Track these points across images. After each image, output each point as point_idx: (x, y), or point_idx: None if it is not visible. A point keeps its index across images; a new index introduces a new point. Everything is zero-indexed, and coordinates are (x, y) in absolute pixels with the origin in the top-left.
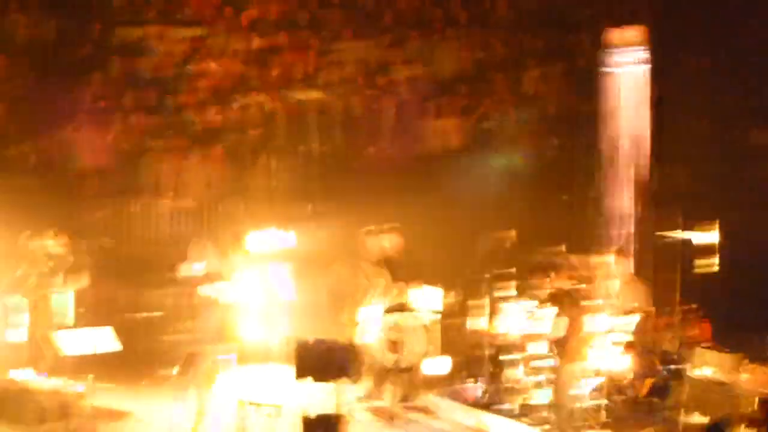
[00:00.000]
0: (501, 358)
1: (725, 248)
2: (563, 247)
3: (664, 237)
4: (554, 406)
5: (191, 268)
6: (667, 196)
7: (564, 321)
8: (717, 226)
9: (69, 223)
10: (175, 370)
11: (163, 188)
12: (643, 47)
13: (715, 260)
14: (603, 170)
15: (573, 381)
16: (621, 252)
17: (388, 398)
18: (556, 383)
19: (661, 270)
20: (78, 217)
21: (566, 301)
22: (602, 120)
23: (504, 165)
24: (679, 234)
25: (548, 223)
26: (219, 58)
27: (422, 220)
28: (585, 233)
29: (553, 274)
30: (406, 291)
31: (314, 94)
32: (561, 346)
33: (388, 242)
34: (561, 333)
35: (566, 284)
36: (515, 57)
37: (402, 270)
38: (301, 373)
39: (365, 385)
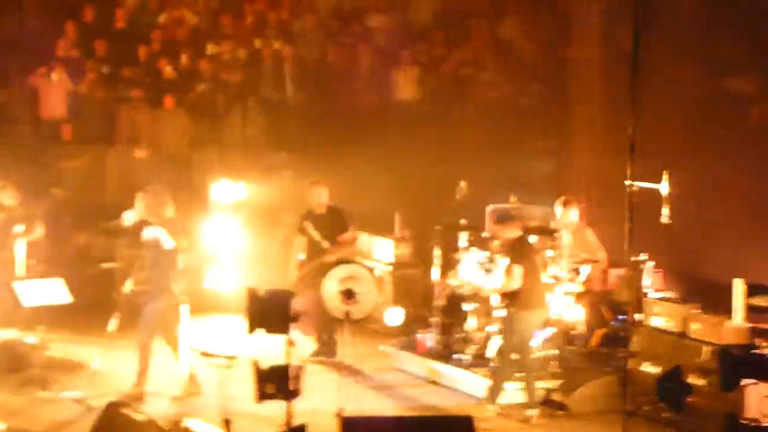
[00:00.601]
0: (454, 308)
1: (683, 198)
2: (515, 198)
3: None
4: (504, 355)
5: (129, 217)
6: (620, 143)
7: (518, 270)
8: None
9: (34, 172)
10: (113, 323)
11: (138, 137)
12: None
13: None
14: (576, 118)
15: (526, 331)
16: (573, 201)
17: (339, 350)
18: (508, 333)
19: (615, 219)
20: (52, 165)
21: (518, 251)
22: (579, 66)
23: (476, 113)
24: (646, 184)
25: (515, 171)
26: (193, 5)
27: (393, 169)
28: (548, 182)
29: (506, 225)
30: (359, 242)
31: (288, 42)
32: (514, 296)
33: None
34: (514, 284)
35: (518, 234)
36: (492, 3)
37: (349, 221)
38: (253, 325)
39: (317, 337)
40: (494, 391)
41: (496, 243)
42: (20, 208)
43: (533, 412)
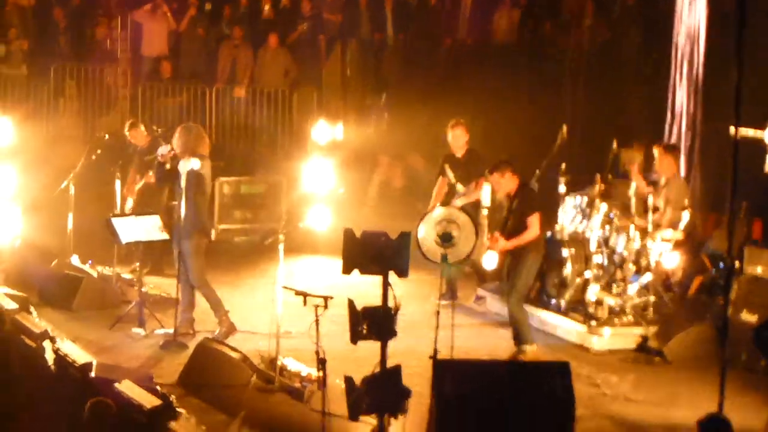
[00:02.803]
0: (551, 253)
1: None
2: (615, 143)
3: (735, 133)
4: (519, 299)
5: (163, 151)
6: (724, 94)
7: (536, 219)
8: None
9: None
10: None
11: (238, 76)
12: None
13: None
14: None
15: (534, 275)
16: (672, 148)
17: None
18: (523, 277)
19: (715, 167)
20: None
21: (529, 199)
22: (681, 10)
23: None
24: (750, 132)
25: (612, 116)
26: None
27: (492, 111)
28: (646, 128)
29: (502, 172)
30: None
31: None
32: (530, 242)
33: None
34: (533, 233)
35: (517, 181)
36: None
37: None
38: (349, 265)
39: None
40: (525, 333)
41: (594, 189)
42: (150, 146)
43: (532, 348)
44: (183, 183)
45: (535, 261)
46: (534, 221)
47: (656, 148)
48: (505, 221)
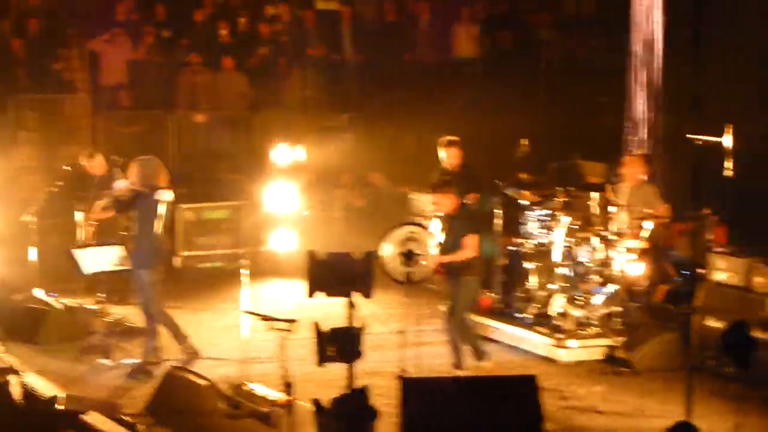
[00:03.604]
0: (515, 266)
1: (741, 153)
2: (577, 155)
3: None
4: (464, 319)
5: (119, 186)
6: (683, 100)
7: (475, 240)
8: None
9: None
10: None
11: (197, 101)
12: None
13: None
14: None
15: (475, 296)
16: (636, 157)
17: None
18: (464, 299)
19: (677, 174)
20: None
21: (471, 219)
22: (640, 19)
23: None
24: (708, 138)
25: (573, 127)
26: None
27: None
28: (609, 138)
29: (444, 192)
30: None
31: (347, 1)
32: (468, 264)
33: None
34: (471, 253)
35: (460, 201)
36: None
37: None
38: (314, 288)
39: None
40: (478, 351)
41: (558, 200)
42: (108, 176)
43: (486, 363)
44: (148, 214)
45: (472, 283)
46: (470, 242)
47: (626, 156)
48: (445, 240)
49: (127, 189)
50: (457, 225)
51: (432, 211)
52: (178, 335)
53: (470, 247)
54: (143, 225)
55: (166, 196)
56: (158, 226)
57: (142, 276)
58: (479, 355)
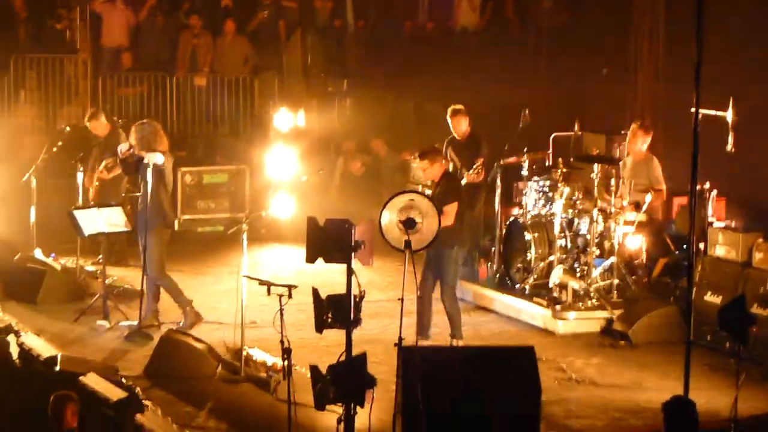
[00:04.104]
0: (515, 237)
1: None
2: (577, 126)
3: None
4: (452, 293)
5: (123, 149)
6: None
7: (453, 208)
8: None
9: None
10: None
11: (198, 64)
12: None
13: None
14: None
15: (459, 266)
16: (641, 129)
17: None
18: (451, 271)
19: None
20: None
21: (451, 188)
22: None
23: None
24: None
25: (575, 98)
26: None
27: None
28: (612, 110)
29: (431, 159)
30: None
31: None
32: (451, 234)
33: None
34: (449, 221)
35: (444, 168)
36: None
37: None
38: (312, 254)
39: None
40: (457, 328)
41: (557, 171)
42: (113, 137)
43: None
44: (147, 177)
45: (457, 253)
46: (450, 210)
47: (633, 127)
48: None
49: (129, 152)
50: (439, 193)
51: (422, 178)
52: (180, 299)
53: (448, 215)
54: (146, 188)
55: (156, 159)
56: (162, 189)
57: (147, 239)
58: (456, 333)
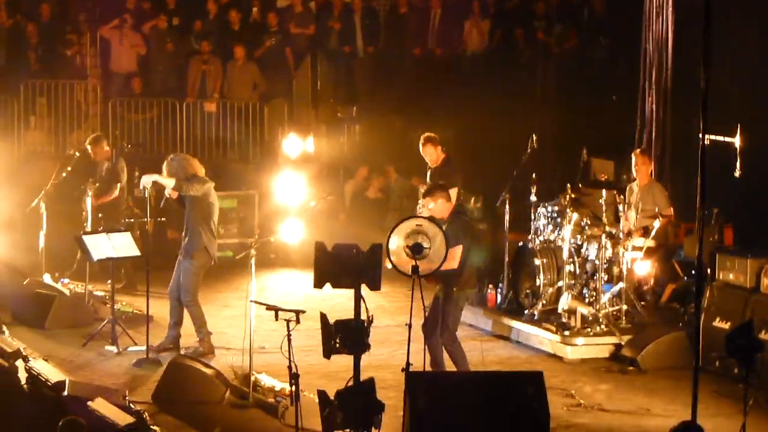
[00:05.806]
0: (524, 263)
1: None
2: (585, 151)
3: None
4: (453, 333)
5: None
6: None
7: (459, 251)
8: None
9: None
10: None
11: (209, 90)
12: None
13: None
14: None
15: (461, 311)
16: (644, 154)
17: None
18: (451, 313)
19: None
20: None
21: (457, 229)
22: (649, 18)
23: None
24: (719, 138)
25: (583, 125)
26: None
27: (463, 122)
28: (619, 136)
29: (434, 196)
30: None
31: None
32: (453, 276)
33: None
34: (454, 264)
35: (450, 206)
36: None
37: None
38: (320, 279)
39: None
40: (462, 365)
41: (565, 197)
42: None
43: None
44: (194, 206)
45: (459, 296)
46: (455, 254)
47: (634, 153)
48: None
49: (175, 195)
50: (448, 233)
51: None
52: (202, 328)
53: (452, 258)
54: (187, 216)
55: (204, 187)
56: (195, 216)
57: (185, 265)
58: None
